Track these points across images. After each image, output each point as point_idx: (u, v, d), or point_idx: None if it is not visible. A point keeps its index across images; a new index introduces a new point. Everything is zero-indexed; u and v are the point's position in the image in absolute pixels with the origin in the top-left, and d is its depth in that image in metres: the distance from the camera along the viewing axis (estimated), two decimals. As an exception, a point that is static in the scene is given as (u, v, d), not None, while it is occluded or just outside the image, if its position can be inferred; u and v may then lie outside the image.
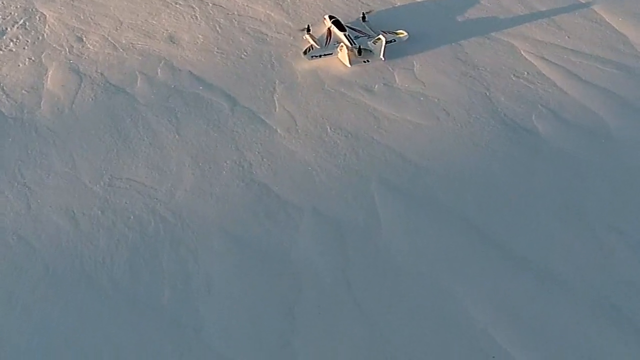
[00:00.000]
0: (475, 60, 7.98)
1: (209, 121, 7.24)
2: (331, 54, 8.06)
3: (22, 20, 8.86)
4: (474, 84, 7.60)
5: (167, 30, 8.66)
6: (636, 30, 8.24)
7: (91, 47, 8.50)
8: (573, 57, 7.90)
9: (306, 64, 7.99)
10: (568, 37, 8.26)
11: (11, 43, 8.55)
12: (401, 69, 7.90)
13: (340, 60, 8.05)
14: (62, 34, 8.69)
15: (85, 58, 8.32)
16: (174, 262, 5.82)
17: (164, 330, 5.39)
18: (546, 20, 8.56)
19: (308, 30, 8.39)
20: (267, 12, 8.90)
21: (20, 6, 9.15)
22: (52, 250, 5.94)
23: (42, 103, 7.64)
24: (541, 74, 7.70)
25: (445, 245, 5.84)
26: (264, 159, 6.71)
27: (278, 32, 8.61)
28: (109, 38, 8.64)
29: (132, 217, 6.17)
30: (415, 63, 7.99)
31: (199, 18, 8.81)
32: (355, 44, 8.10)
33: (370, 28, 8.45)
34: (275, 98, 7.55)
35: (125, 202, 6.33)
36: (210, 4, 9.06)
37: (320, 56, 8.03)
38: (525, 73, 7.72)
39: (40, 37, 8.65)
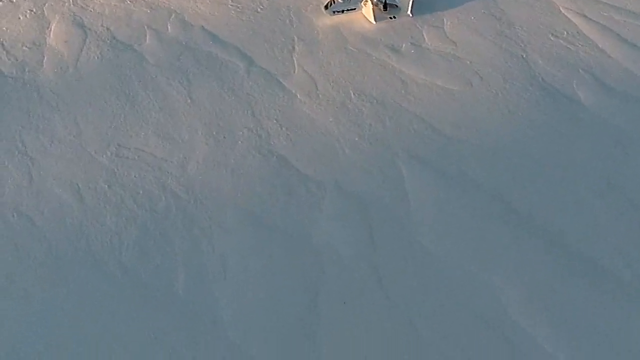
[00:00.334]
0: (511, 17, 7.39)
1: (223, 83, 6.72)
2: (354, 9, 7.48)
3: (22, -33, 8.24)
4: (509, 44, 7.02)
5: (177, -20, 8.05)
6: (687, -14, 7.59)
7: (96, -1, 7.91)
8: (616, 15, 7.29)
9: (327, 20, 7.43)
10: (611, -9, 7.61)
11: (11, -8, 7.98)
12: (430, 27, 7.32)
13: (364, 16, 7.46)
14: (66, -17, 8.10)
15: (90, 11, 7.76)
16: (186, 244, 5.39)
17: (177, 319, 5.00)
18: (587, -28, 7.88)
19: (330, -18, 7.77)
20: (285, -40, 8.23)
21: (20, -49, 8.49)
22: (56, 228, 5.50)
23: (44, 61, 7.12)
24: (582, 34, 7.11)
25: (478, 228, 5.39)
26: (283, 128, 6.21)
27: (297, -16, 7.99)
28: (116, -12, 8.05)
29: (141, 192, 5.72)
30: (445, 20, 7.40)
31: (211, -33, 8.17)
32: (380, -2, 7.50)
33: (398, -20, 7.81)
34: (294, 58, 7.01)
35: (134, 176, 5.87)
36: (224, -49, 8.38)
37: (342, 11, 7.46)
38: (565, 32, 7.13)
39: (43, -14, 8.07)
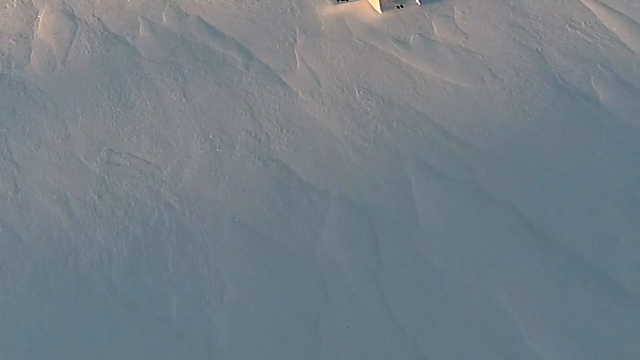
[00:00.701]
0: (524, 6, 6.96)
1: (220, 80, 6.34)
2: (360, -3, 7.06)
3: (9, -49, 7.81)
4: (524, 36, 6.60)
5: (172, -36, 7.62)
6: None
7: (87, -14, 7.49)
8: (637, 4, 6.84)
9: (331, 9, 7.01)
10: (631, -24, 7.15)
11: (-4, -21, 7.58)
12: (440, 16, 6.90)
13: (370, 4, 7.04)
14: (55, -32, 7.68)
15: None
16: (180, 262, 5.07)
17: (170, 347, 4.70)
18: (606, -45, 7.41)
19: (333, -32, 7.33)
20: (287, -58, 7.77)
21: None
22: (42, 244, 5.20)
23: (31, 56, 6.75)
24: (601, 25, 6.68)
25: (492, 245, 5.04)
26: (283, 130, 5.85)
27: (299, -31, 7.54)
28: (107, -26, 7.61)
29: (132, 204, 5.39)
30: (455, 9, 6.98)
31: (208, -51, 7.72)
32: (387, -15, 7.07)
33: (405, -35, 7.37)
34: (295, 51, 6.62)
35: (126, 184, 5.54)
36: None
37: (347, 0, 7.01)
38: (583, 23, 6.71)
39: (30, -28, 7.65)
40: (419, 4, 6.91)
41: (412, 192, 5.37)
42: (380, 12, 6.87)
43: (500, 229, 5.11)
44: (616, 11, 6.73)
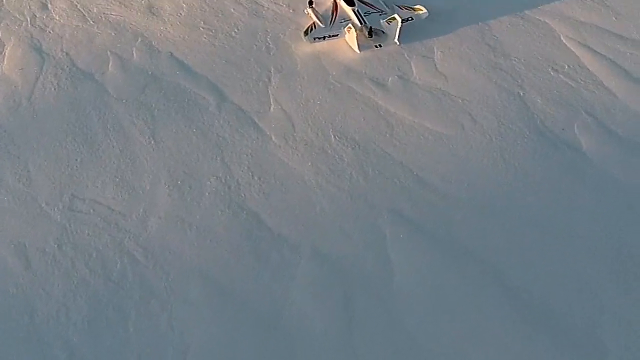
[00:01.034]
0: (507, 47, 6.77)
1: (191, 122, 6.11)
2: (337, 35, 6.83)
3: (-25, -21, 7.55)
4: (505, 79, 6.42)
5: (146, -4, 7.39)
6: None
7: (57, 18, 7.27)
8: (623, 47, 6.68)
9: (307, 48, 6.79)
10: (615, 17, 6.99)
11: (-38, 10, 7.32)
12: (419, 57, 6.70)
13: (347, 43, 6.82)
14: (24, -1, 7.42)
15: (50, 32, 7.11)
16: (142, 321, 4.83)
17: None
18: (589, -6, 7.25)
19: (310, 3, 7.10)
20: (265, -25, 7.56)
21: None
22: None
23: (-4, 93, 6.47)
24: (584, 68, 6.50)
25: (468, 306, 4.84)
26: (255, 177, 5.62)
27: (275, 3, 7.37)
28: (78, 5, 7.40)
29: (94, 255, 5.14)
30: (435, 49, 6.78)
31: (183, -20, 7.49)
32: (365, 22, 6.85)
33: (384, 2, 7.15)
34: (270, 92, 6.40)
35: (88, 234, 5.29)
36: (198, -37, 7.69)
37: (324, 38, 6.80)
38: (566, 66, 6.52)
39: (-1, 2, 7.40)
40: (398, 43, 6.70)
41: (386, 246, 5.16)
42: (358, 51, 6.66)
43: (479, 289, 4.90)
44: (600, 54, 6.56)
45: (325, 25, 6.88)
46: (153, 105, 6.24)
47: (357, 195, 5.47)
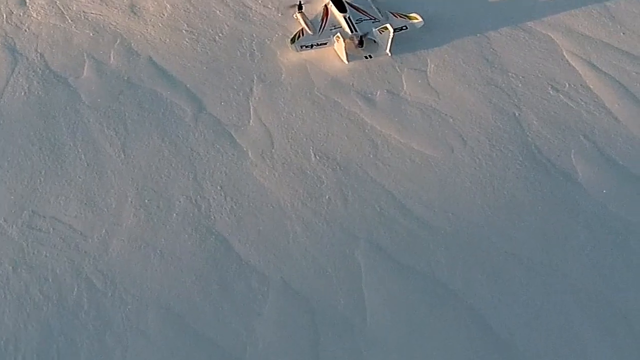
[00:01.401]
0: (505, 62, 6.38)
1: (165, 135, 5.77)
2: (325, 43, 6.45)
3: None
4: (500, 97, 6.03)
5: (129, -6, 7.02)
6: None
7: (34, 15, 6.94)
8: (628, 65, 6.26)
9: (294, 56, 6.42)
10: (623, 33, 6.56)
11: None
12: (411, 70, 6.32)
13: (336, 52, 6.44)
14: (2, -7, 7.08)
15: (25, 31, 6.78)
16: (95, 355, 4.50)
17: None
18: (596, 8, 6.80)
19: (300, 7, 6.71)
20: (254, -24, 7.16)
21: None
22: (-58, 327, 4.60)
23: (-38, 95, 6.15)
24: (586, 88, 6.11)
25: (450, 355, 4.44)
26: (227, 198, 5.28)
27: (264, 6, 7.00)
28: (58, 2, 7.02)
29: (50, 279, 4.84)
30: (429, 61, 6.39)
31: (169, -21, 7.11)
32: (356, 30, 6.46)
33: (378, 8, 6.75)
34: (250, 104, 6.05)
35: (45, 255, 4.99)
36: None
37: (311, 46, 6.43)
38: (567, 85, 6.12)
39: (-27, -3, 7.07)
40: (390, 54, 6.30)
41: (361, 281, 4.82)
42: (347, 62, 6.29)
43: (460, 334, 4.54)
44: (604, 72, 6.15)
45: (314, 32, 6.50)
46: (127, 114, 5.90)
47: (334, 221, 5.13)
